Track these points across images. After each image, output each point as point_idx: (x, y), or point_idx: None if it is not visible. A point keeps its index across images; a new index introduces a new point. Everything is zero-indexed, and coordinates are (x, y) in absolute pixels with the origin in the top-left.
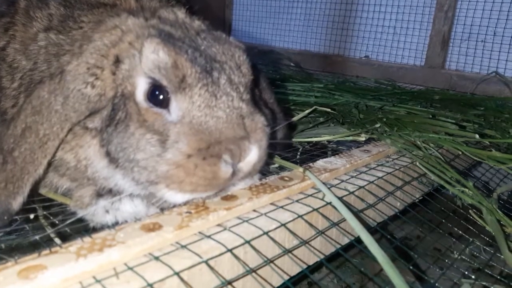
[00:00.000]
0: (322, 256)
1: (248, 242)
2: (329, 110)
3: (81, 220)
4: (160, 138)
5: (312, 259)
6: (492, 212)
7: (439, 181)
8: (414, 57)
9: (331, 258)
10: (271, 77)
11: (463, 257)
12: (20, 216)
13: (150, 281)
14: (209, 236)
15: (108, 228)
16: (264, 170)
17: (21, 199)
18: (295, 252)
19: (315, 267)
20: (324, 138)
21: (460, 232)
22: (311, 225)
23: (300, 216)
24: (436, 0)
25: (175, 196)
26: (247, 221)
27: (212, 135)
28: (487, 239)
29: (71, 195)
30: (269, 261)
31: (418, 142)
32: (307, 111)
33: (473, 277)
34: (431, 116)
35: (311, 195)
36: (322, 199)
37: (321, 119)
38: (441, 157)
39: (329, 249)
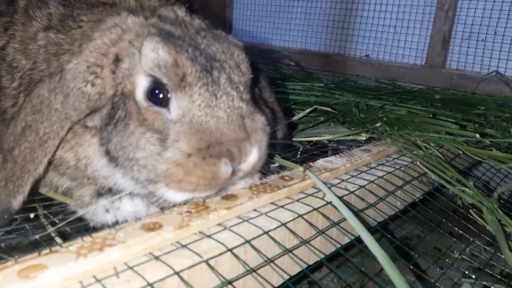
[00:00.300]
0: (322, 256)
1: (248, 241)
2: (329, 109)
3: (81, 219)
4: (160, 137)
5: (312, 259)
6: (492, 211)
7: (439, 181)
8: (414, 56)
9: (331, 258)
10: (272, 76)
11: (464, 257)
12: (20, 215)
13: (150, 280)
14: (209, 236)
15: (108, 227)
16: (264, 169)
17: (21, 198)
18: (295, 251)
19: (316, 267)
20: (325, 138)
21: (460, 231)
22: (311, 224)
23: (301, 216)
24: None
25: (174, 195)
26: (247, 220)
27: (213, 135)
28: (488, 238)
29: (71, 194)
30: (270, 261)
31: (419, 142)
32: (307, 110)
33: (473, 276)
34: (431, 116)
35: (311, 195)
36: (323, 199)
37: (322, 119)
38: (442, 157)
39: (330, 249)
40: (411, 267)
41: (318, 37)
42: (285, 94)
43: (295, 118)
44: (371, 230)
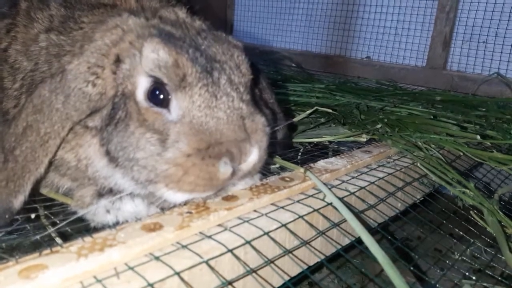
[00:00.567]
0: (322, 257)
1: (248, 242)
2: (330, 110)
3: (82, 220)
4: (160, 138)
5: (312, 260)
6: (493, 213)
7: (440, 182)
8: (415, 58)
9: (331, 259)
10: (273, 78)
11: (464, 258)
12: (22, 216)
13: (151, 281)
14: (209, 236)
15: (109, 228)
16: (264, 170)
17: (22, 197)
18: (295, 252)
19: (316, 268)
20: (325, 139)
21: (461, 233)
22: (311, 225)
23: (301, 217)
24: (437, 1)
25: (174, 196)
26: (247, 221)
27: (212, 135)
28: (488, 240)
29: (72, 195)
30: (270, 262)
31: (419, 143)
32: (308, 112)
33: (474, 278)
34: (432, 117)
35: (311, 196)
36: (323, 200)
37: (322, 120)
38: (442, 158)
39: (330, 250)
40: (412, 268)
41: (319, 39)
42: (286, 95)
43: (296, 119)
44: (371, 231)
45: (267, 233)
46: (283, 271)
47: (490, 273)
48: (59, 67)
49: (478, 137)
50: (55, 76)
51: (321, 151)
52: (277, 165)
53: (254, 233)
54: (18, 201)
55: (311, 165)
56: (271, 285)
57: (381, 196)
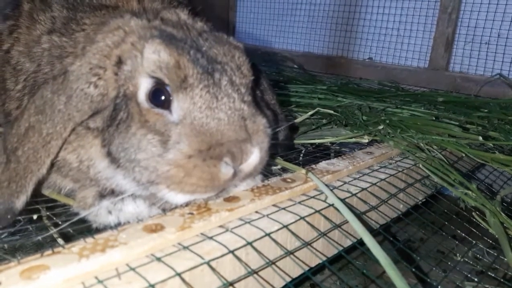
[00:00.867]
0: (324, 258)
1: (250, 243)
2: (332, 112)
3: (84, 220)
4: (161, 139)
5: (314, 261)
6: (495, 214)
7: (442, 183)
8: (417, 59)
9: (333, 260)
10: (275, 79)
11: (466, 260)
12: (24, 217)
13: (152, 282)
14: (211, 237)
15: (110, 228)
16: (266, 171)
17: (24, 198)
18: (297, 253)
19: (317, 269)
20: (327, 140)
21: (463, 234)
22: (313, 226)
23: (302, 218)
24: (439, 2)
25: (175, 197)
26: (249, 222)
27: (213, 136)
28: (491, 241)
29: (74, 196)
30: (271, 263)
31: (421, 144)
32: (310, 113)
33: (476, 279)
34: (434, 118)
35: (313, 197)
36: (325, 201)
37: (324, 121)
38: (445, 159)
39: (332, 251)
40: (414, 269)
41: (321, 40)
42: (288, 97)
43: (297, 120)
44: (373, 232)
45: (268, 234)
46: (284, 272)
47: (493, 275)
48: (61, 69)
49: (481, 138)
50: (57, 78)
51: (322, 152)
52: (279, 166)
53: (256, 234)
54: (20, 202)
55: (313, 166)
56: (272, 286)
57: (383, 197)
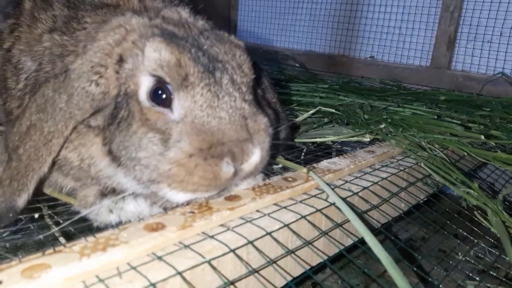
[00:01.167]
0: (325, 257)
1: (251, 242)
2: (333, 110)
3: (85, 219)
4: (162, 137)
5: (315, 260)
6: (497, 213)
7: (444, 182)
8: (419, 57)
9: (334, 259)
10: (276, 78)
11: (468, 259)
12: (25, 216)
13: (153, 280)
14: (212, 236)
15: (111, 227)
16: (267, 170)
17: (26, 196)
18: (298, 252)
19: (319, 268)
20: (329, 139)
21: (465, 233)
22: (314, 225)
23: (304, 217)
24: (441, 1)
25: (176, 196)
26: (250, 221)
27: (215, 135)
28: (492, 240)
29: (76, 195)
30: (272, 262)
31: (423, 143)
32: (311, 112)
33: (477, 279)
34: (436, 117)
35: (314, 196)
36: (326, 200)
37: (326, 120)
38: (446, 158)
39: (333, 250)
40: (415, 269)
41: (322, 39)
42: (289, 95)
43: (299, 119)
44: (374, 231)
45: (269, 233)
46: (285, 271)
47: (494, 274)
48: (62, 67)
49: (483, 137)
50: (59, 76)
51: (324, 151)
52: (280, 165)
53: (257, 233)
54: (21, 200)
55: (314, 165)
56: (273, 285)
57: (384, 196)
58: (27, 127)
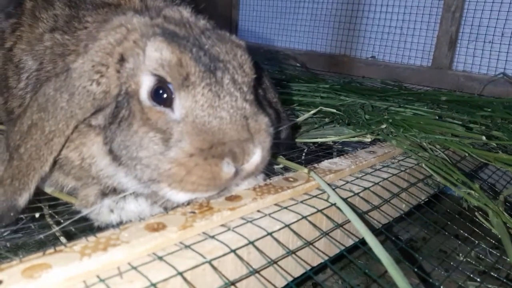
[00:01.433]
0: (326, 258)
1: (252, 242)
2: (334, 110)
3: (86, 219)
4: (163, 137)
5: (316, 260)
6: (498, 214)
7: (445, 183)
8: (421, 57)
9: (335, 260)
10: (277, 77)
11: (469, 260)
12: (26, 215)
13: (154, 280)
14: (212, 237)
15: (112, 227)
16: (268, 170)
17: (27, 195)
18: (299, 253)
19: (319, 268)
20: (330, 139)
21: (466, 234)
22: (315, 226)
23: (305, 217)
24: (443, 1)
25: (177, 195)
26: (251, 221)
27: (215, 135)
28: (493, 241)
29: (77, 194)
30: (273, 262)
31: (424, 144)
32: (312, 112)
33: (478, 280)
34: (437, 117)
35: (315, 196)
36: (327, 200)
37: (327, 120)
38: (447, 159)
39: (334, 251)
40: (416, 269)
41: (324, 38)
42: (290, 95)
43: (300, 119)
44: (375, 232)
45: (270, 234)
46: (286, 271)
47: (495, 275)
48: (63, 66)
49: (484, 137)
50: (60, 75)
51: (325, 151)
52: (281, 165)
53: (258, 233)
54: (22, 199)
55: (315, 165)
56: (274, 285)
57: (385, 197)
58: (28, 126)
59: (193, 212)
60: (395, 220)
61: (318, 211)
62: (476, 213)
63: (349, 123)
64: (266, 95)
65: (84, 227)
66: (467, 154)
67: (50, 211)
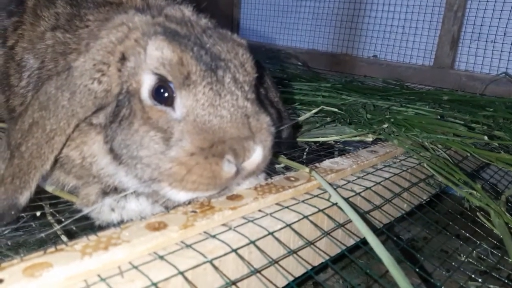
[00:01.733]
0: (327, 257)
1: (253, 242)
2: (336, 110)
3: (87, 218)
4: (164, 136)
5: (317, 260)
6: (500, 214)
7: (446, 183)
8: (423, 57)
9: (336, 259)
10: (278, 76)
11: (470, 260)
12: (27, 213)
13: (155, 280)
14: (214, 236)
15: (113, 226)
16: (269, 170)
17: (28, 194)
18: (300, 252)
19: (321, 268)
20: (331, 138)
21: (467, 234)
22: (316, 226)
23: (306, 217)
24: (445, 0)
25: (177, 194)
26: (252, 221)
27: (216, 134)
28: (495, 241)
29: (78, 193)
30: (274, 262)
31: (426, 143)
32: (314, 111)
33: (480, 280)
34: (439, 117)
35: (317, 196)
36: (328, 200)
37: (328, 119)
38: (449, 159)
39: (335, 250)
40: (417, 269)
41: (325, 37)
42: (292, 94)
43: (301, 118)
44: (376, 232)
45: (271, 233)
46: (287, 271)
47: (497, 275)
48: (65, 65)
49: (486, 137)
50: (61, 74)
51: (326, 151)
52: (282, 165)
53: (259, 233)
54: (23, 198)
55: (317, 164)
56: (275, 285)
57: (386, 196)
58: (29, 124)
59: (194, 211)
60: (397, 220)
61: (320, 210)
62: (477, 213)
63: (351, 123)
64: (268, 94)
65: (85, 226)
66: (469, 154)
67: (51, 210)
